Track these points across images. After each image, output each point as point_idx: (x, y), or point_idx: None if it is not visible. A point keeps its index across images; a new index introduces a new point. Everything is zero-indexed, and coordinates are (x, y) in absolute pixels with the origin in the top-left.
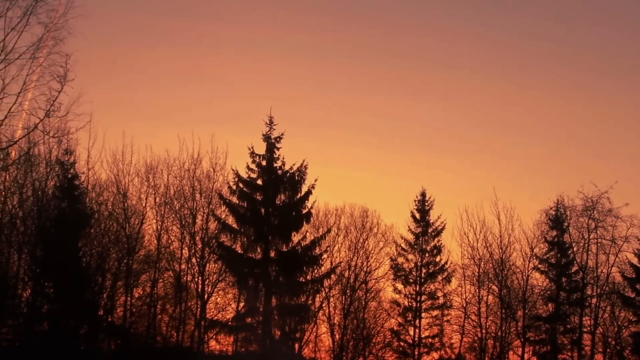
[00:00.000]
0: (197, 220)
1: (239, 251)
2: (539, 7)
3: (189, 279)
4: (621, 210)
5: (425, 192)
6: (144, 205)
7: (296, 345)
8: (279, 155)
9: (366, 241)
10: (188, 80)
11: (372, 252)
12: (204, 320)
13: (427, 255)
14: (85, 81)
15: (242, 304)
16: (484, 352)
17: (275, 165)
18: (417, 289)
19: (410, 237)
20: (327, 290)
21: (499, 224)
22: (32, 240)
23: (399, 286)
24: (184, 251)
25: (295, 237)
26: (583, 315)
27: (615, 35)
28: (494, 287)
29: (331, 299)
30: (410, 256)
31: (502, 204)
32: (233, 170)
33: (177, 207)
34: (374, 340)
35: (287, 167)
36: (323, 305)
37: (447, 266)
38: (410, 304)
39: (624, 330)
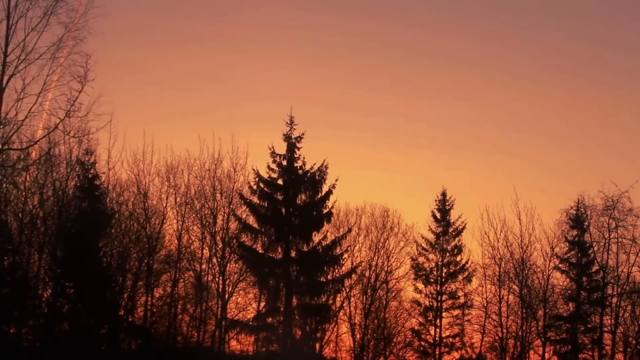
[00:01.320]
0: (217, 220)
1: (260, 251)
2: (560, 5)
3: (209, 278)
4: None
5: (446, 192)
6: (164, 205)
7: (317, 345)
8: (299, 155)
9: (387, 241)
10: (209, 80)
11: (393, 251)
12: (224, 320)
13: (447, 254)
14: (106, 81)
15: (262, 304)
16: (505, 351)
17: (295, 165)
18: (438, 288)
19: (431, 236)
20: (347, 290)
21: (520, 223)
22: (53, 241)
23: (420, 286)
24: (204, 251)
25: (316, 237)
26: (604, 315)
27: (637, 34)
28: (514, 286)
29: (352, 299)
30: (431, 256)
31: (523, 204)
32: (254, 170)
33: (197, 207)
34: (394, 340)
35: (307, 167)
36: (344, 305)
37: (467, 266)
38: (431, 304)
39: None
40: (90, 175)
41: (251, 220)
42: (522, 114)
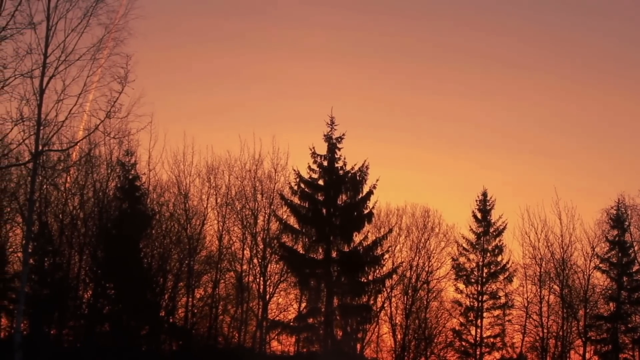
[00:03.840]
0: (258, 221)
1: (301, 251)
2: (601, 5)
3: (250, 279)
4: None
5: (487, 192)
6: (205, 206)
7: (358, 346)
8: (340, 155)
9: (428, 241)
10: (250, 80)
11: (434, 252)
12: (265, 320)
13: (488, 254)
14: (146, 82)
15: (303, 305)
16: (546, 351)
17: (336, 165)
18: (479, 288)
19: (472, 236)
20: (388, 290)
21: (560, 223)
22: (94, 242)
23: (461, 286)
24: (245, 252)
25: (357, 238)
26: None
27: None
28: (555, 286)
29: (393, 299)
30: (471, 256)
31: (563, 204)
32: (294, 170)
33: (238, 208)
34: (435, 340)
35: (348, 168)
36: (385, 305)
37: (508, 266)
38: (471, 304)
39: None
40: (130, 176)
41: (292, 221)
42: (563, 114)
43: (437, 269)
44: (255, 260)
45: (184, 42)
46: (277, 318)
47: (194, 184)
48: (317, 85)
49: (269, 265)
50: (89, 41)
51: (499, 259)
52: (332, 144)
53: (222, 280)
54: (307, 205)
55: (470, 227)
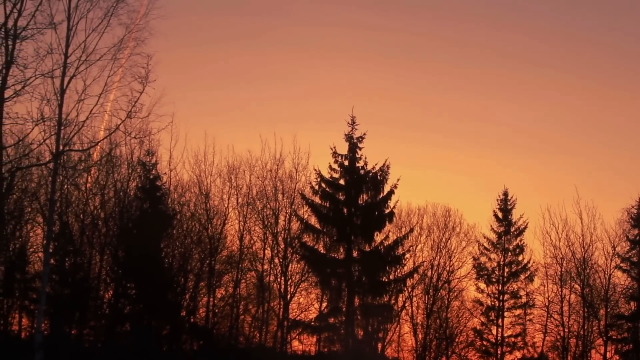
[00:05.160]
0: (279, 221)
1: (322, 251)
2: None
3: (271, 279)
4: None
5: (508, 192)
6: (226, 205)
7: (379, 345)
8: (361, 155)
9: (449, 240)
10: (270, 79)
11: (455, 251)
12: (286, 320)
13: (509, 254)
14: (167, 82)
15: (324, 304)
16: (567, 351)
17: (357, 165)
18: (500, 288)
19: (493, 236)
20: (409, 289)
21: (581, 222)
22: (114, 242)
23: (482, 285)
24: (266, 251)
25: (378, 237)
26: None
27: None
28: (576, 286)
29: (414, 299)
30: (492, 255)
31: (584, 203)
32: (315, 170)
33: (259, 208)
34: (456, 340)
35: (369, 167)
36: (406, 304)
37: (529, 265)
38: (492, 303)
39: None
40: (151, 176)
41: (313, 221)
42: (583, 114)
43: (458, 268)
44: (276, 260)
45: (204, 42)
46: (298, 318)
47: (215, 183)
48: (338, 84)
49: (290, 264)
50: (110, 41)
51: (520, 258)
52: (353, 144)
53: (243, 280)
54: (328, 205)
55: (491, 226)
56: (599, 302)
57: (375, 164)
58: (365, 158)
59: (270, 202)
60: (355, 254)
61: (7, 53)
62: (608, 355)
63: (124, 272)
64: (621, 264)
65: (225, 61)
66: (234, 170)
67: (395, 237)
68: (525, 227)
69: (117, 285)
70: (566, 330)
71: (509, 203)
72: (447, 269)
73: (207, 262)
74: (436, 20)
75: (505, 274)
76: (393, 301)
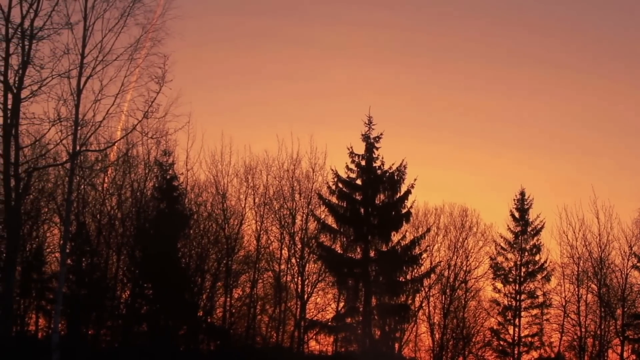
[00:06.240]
0: (296, 221)
1: (339, 251)
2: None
3: (288, 279)
4: None
5: (525, 191)
6: (243, 205)
7: (396, 345)
8: (378, 155)
9: (465, 240)
10: (287, 80)
11: (472, 251)
12: (303, 320)
13: (526, 254)
14: (184, 82)
15: (341, 304)
16: (584, 350)
17: (374, 165)
18: (517, 287)
19: (510, 236)
20: (426, 289)
21: (598, 222)
22: (131, 242)
23: (499, 285)
24: (283, 251)
25: (395, 237)
26: None
27: None
28: (593, 285)
29: (431, 299)
30: (509, 255)
31: (601, 203)
32: (332, 170)
33: (276, 208)
34: (473, 340)
35: (386, 167)
36: (423, 304)
37: (546, 265)
38: (509, 303)
39: None
40: (168, 176)
41: (330, 221)
42: (600, 113)
43: (475, 268)
44: (293, 260)
45: (221, 41)
46: (315, 318)
47: (231, 183)
48: (355, 83)
49: (307, 264)
50: (127, 41)
51: (537, 258)
52: (370, 144)
53: (260, 280)
54: (345, 205)
55: (508, 226)
56: (615, 302)
57: (392, 164)
58: (382, 158)
59: (287, 202)
60: (372, 253)
61: (24, 53)
62: (625, 355)
63: (141, 272)
64: (638, 264)
65: (241, 61)
66: (251, 170)
67: (412, 237)
68: (542, 227)
69: (133, 286)
70: (583, 330)
71: (525, 203)
72: (464, 268)
73: (224, 262)
74: (454, 19)
75: (522, 273)
76: (410, 301)
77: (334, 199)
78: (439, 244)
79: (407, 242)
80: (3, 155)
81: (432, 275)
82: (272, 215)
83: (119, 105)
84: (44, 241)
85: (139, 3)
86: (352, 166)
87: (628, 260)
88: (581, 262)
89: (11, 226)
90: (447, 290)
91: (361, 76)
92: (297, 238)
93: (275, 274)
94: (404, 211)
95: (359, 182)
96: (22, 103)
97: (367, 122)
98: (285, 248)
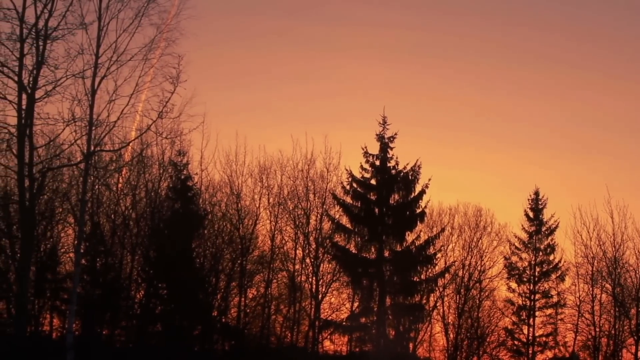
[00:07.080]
0: (310, 221)
1: (353, 251)
2: None
3: (303, 279)
4: None
5: (539, 191)
6: (257, 205)
7: (410, 345)
8: (392, 155)
9: (480, 240)
10: (301, 80)
11: (486, 251)
12: (318, 320)
13: (540, 253)
14: (198, 82)
15: (356, 304)
16: (598, 350)
17: (388, 165)
18: (531, 287)
19: (524, 235)
20: (441, 289)
21: (612, 222)
22: (146, 242)
23: (513, 285)
24: (297, 251)
25: (409, 237)
26: None
27: None
28: (607, 285)
29: (445, 298)
30: (524, 255)
31: (615, 202)
32: (347, 170)
33: (290, 208)
34: (488, 339)
35: (400, 167)
36: (437, 304)
37: (560, 265)
38: (524, 303)
39: None
40: (182, 176)
41: (344, 221)
42: (614, 113)
43: (490, 268)
44: (307, 260)
45: (235, 41)
46: (330, 317)
47: (246, 183)
48: (369, 83)
49: (322, 264)
50: (141, 41)
51: (551, 257)
52: (384, 144)
53: (275, 280)
54: (359, 205)
55: (522, 226)
56: (630, 302)
57: (407, 164)
58: (397, 158)
59: (301, 202)
60: (386, 253)
61: (38, 53)
62: (639, 354)
63: (155, 272)
64: None
65: (256, 60)
66: (265, 170)
67: (426, 237)
68: (557, 227)
69: (148, 286)
70: (597, 329)
71: (540, 202)
72: (479, 268)
73: (239, 262)
74: (468, 19)
75: (537, 273)
76: (424, 301)
77: (348, 199)
78: (454, 244)
79: (421, 242)
80: (17, 156)
81: (447, 275)
82: (287, 215)
83: (134, 106)
84: (58, 241)
85: (154, 3)
86: (367, 166)
87: None
88: (595, 261)
89: (25, 226)
90: (462, 290)
91: (376, 76)
92: (311, 238)
93: (289, 273)
94: (418, 211)
95: (373, 182)
96: (37, 103)
97: (381, 122)
98: (300, 248)
